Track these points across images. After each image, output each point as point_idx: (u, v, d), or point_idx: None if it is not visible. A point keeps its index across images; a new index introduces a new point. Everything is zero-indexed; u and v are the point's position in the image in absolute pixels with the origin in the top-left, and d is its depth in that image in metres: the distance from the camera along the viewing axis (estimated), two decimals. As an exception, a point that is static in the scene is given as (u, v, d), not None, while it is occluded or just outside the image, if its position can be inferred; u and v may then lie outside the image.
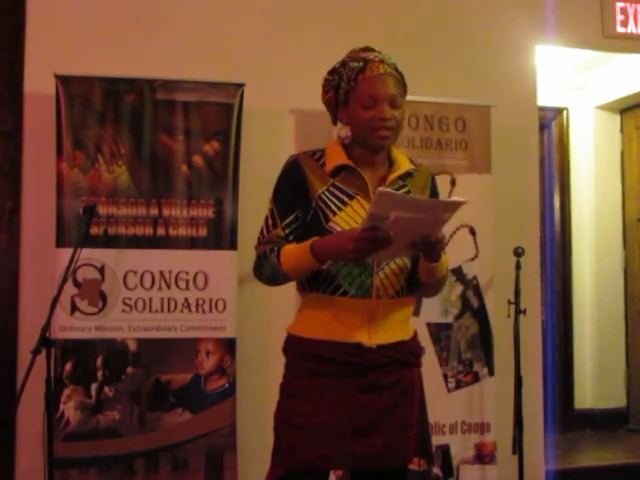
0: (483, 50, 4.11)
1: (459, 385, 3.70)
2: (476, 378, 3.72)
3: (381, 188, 1.79)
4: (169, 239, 3.43)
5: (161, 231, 3.42)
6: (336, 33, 3.80)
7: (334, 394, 2.01)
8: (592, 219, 5.49)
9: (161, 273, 3.41)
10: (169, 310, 3.41)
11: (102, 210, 3.36)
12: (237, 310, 3.47)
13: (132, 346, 3.37)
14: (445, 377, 3.68)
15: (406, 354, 2.08)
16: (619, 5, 4.38)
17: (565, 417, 5.36)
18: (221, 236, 3.47)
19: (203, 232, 3.45)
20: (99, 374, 3.33)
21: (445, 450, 3.65)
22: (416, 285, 2.12)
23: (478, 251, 3.75)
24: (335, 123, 2.16)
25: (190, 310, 3.42)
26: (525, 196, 4.15)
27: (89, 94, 3.40)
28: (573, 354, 5.47)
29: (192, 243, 3.44)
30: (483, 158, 3.82)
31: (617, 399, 5.43)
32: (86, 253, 3.15)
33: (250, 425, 3.50)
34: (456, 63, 4.04)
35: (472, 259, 3.75)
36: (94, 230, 3.33)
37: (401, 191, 2.06)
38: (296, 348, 2.09)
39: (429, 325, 3.66)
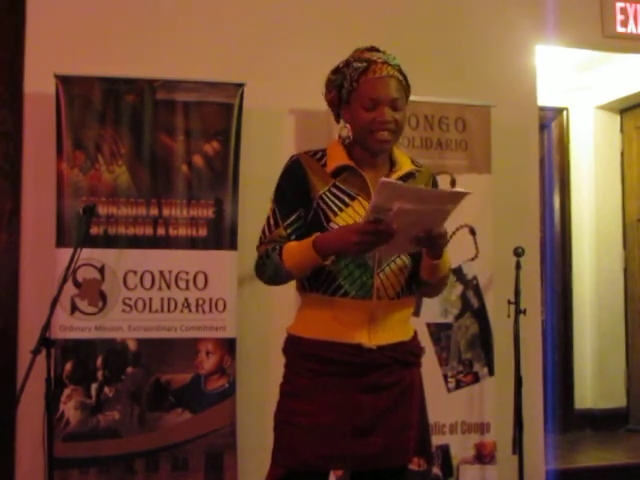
0: (483, 50, 4.11)
1: (459, 385, 3.70)
2: (476, 378, 3.72)
3: (384, 178, 1.78)
4: (169, 239, 3.43)
5: (161, 231, 3.42)
6: (336, 33, 3.80)
7: (334, 394, 2.01)
8: (592, 219, 5.49)
9: (161, 273, 3.41)
10: (169, 310, 3.41)
11: (102, 210, 3.36)
12: (237, 310, 3.47)
13: (132, 346, 3.37)
14: (445, 377, 3.68)
15: (406, 354, 2.08)
16: (619, 5, 4.38)
17: (565, 417, 5.36)
18: (221, 236, 3.47)
19: (203, 232, 3.45)
20: (99, 374, 3.33)
21: (445, 450, 3.65)
22: (418, 285, 2.12)
23: (478, 251, 3.75)
24: (338, 121, 2.16)
25: (190, 310, 3.42)
26: (525, 196, 4.15)
27: (89, 94, 3.40)
28: (573, 354, 5.47)
29: (192, 243, 3.44)
30: (483, 158, 3.82)
31: (617, 399, 5.43)
32: (86, 253, 3.15)
33: (250, 425, 3.50)
34: (456, 63, 4.04)
35: (472, 259, 3.75)
36: (94, 230, 3.34)
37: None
38: (296, 348, 2.09)
39: (429, 325, 3.66)
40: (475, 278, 3.76)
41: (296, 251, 1.98)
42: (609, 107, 5.52)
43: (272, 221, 2.08)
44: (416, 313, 2.52)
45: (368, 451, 2.00)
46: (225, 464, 3.39)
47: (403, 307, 2.08)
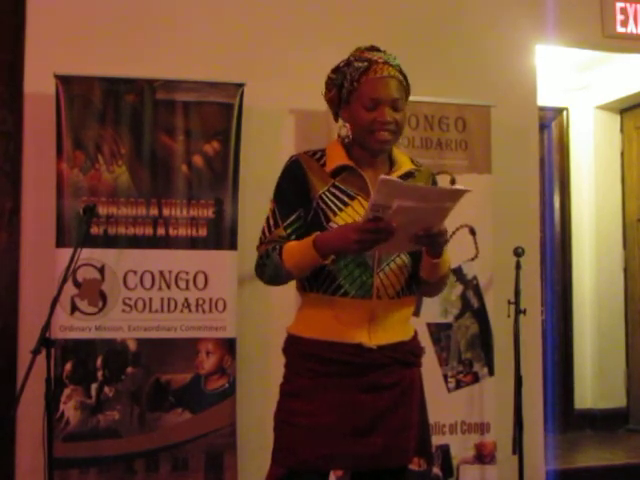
0: (483, 50, 4.11)
1: (459, 385, 3.70)
2: (476, 378, 3.72)
3: (383, 176, 1.78)
4: (169, 239, 3.43)
5: (161, 231, 3.42)
6: (336, 33, 3.80)
7: (334, 394, 2.01)
8: (592, 219, 5.49)
9: (161, 273, 3.41)
10: (169, 310, 3.41)
11: (102, 210, 3.36)
12: (237, 310, 3.47)
13: (132, 346, 3.37)
14: (445, 377, 3.68)
15: (406, 354, 2.08)
16: (619, 5, 4.38)
17: (565, 417, 5.36)
18: (221, 236, 3.47)
19: (203, 232, 3.45)
20: (99, 374, 3.33)
21: (445, 450, 3.65)
22: (418, 284, 2.11)
23: (478, 251, 3.75)
24: (337, 120, 2.16)
25: (190, 310, 3.42)
26: (525, 196, 4.15)
27: (89, 94, 3.40)
28: (573, 354, 5.47)
29: (192, 243, 3.44)
30: (483, 158, 3.82)
31: (617, 399, 5.43)
32: (86, 253, 3.15)
33: (250, 425, 3.50)
34: (456, 63, 4.04)
35: (472, 259, 3.75)
36: (94, 230, 3.34)
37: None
38: (296, 348, 2.09)
39: (429, 325, 3.66)
40: (475, 278, 3.76)
41: (296, 251, 1.98)
42: (609, 107, 5.52)
43: (272, 221, 2.08)
44: (416, 313, 2.51)
45: (368, 451, 2.01)
46: (225, 464, 3.39)
47: (403, 306, 2.08)
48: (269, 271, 2.03)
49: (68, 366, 3.30)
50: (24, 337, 3.42)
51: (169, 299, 3.41)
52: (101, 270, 3.36)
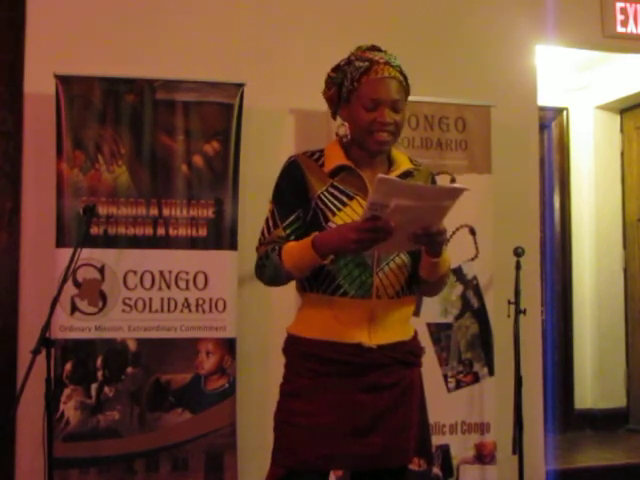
0: (483, 50, 4.11)
1: (459, 385, 3.70)
2: (476, 378, 3.72)
3: (381, 174, 1.78)
4: (169, 239, 3.43)
5: (161, 231, 3.42)
6: (336, 33, 3.80)
7: (334, 394, 2.01)
8: (592, 219, 5.49)
9: (161, 273, 3.41)
10: (169, 310, 3.41)
11: (102, 210, 3.36)
12: (237, 310, 3.47)
13: (132, 346, 3.37)
14: (445, 377, 3.68)
15: (406, 354, 2.08)
16: (619, 5, 4.38)
17: (565, 417, 5.36)
18: (221, 236, 3.47)
19: (203, 232, 3.45)
20: (99, 374, 3.33)
21: (445, 450, 3.65)
22: (417, 284, 2.11)
23: (478, 251, 3.76)
24: (335, 118, 2.16)
25: (190, 310, 3.42)
26: (525, 196, 4.15)
27: (89, 94, 3.40)
28: (573, 354, 5.47)
29: (192, 243, 3.44)
30: (483, 158, 3.82)
31: (617, 399, 5.43)
32: (86, 253, 3.15)
33: (250, 425, 3.50)
34: (456, 63, 4.04)
35: (472, 259, 3.75)
36: (94, 230, 3.34)
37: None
38: (296, 348, 2.09)
39: (429, 325, 3.66)
40: (475, 278, 3.76)
41: (295, 251, 1.98)
42: (609, 107, 5.52)
43: (271, 222, 2.08)
44: (416, 313, 2.51)
45: (368, 451, 2.00)
46: (225, 464, 3.39)
47: (403, 306, 2.08)
48: (269, 272, 2.03)
49: (68, 366, 3.30)
50: (24, 337, 3.42)
51: (169, 299, 3.41)
52: (101, 270, 3.36)
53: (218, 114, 3.50)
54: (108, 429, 3.31)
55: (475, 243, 3.75)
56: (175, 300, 3.41)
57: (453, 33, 4.08)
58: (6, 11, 3.61)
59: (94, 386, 3.32)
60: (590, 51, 4.62)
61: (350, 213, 2.01)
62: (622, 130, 5.56)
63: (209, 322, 3.43)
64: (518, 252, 3.62)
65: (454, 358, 3.71)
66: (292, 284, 2.12)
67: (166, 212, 3.43)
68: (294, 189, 2.06)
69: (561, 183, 5.54)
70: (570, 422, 5.37)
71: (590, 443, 5.17)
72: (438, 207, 1.84)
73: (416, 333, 2.16)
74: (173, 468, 3.34)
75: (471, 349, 3.73)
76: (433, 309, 3.63)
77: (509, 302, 3.55)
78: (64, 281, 2.81)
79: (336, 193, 2.05)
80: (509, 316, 3.55)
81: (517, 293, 3.56)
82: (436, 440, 3.41)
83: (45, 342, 2.64)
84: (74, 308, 3.32)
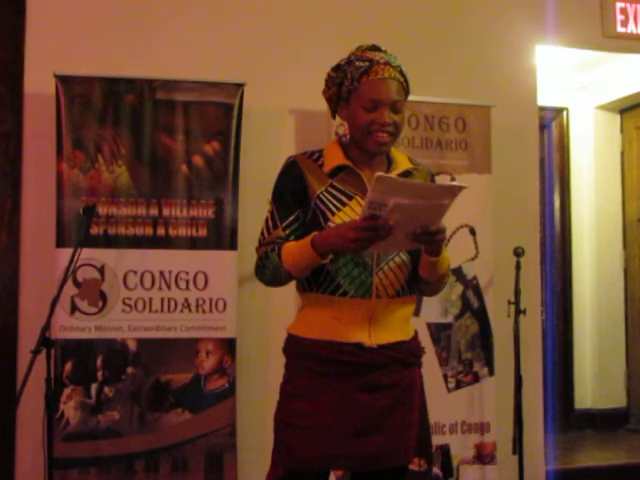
0: (483, 50, 4.11)
1: (459, 385, 3.70)
2: (476, 378, 3.72)
3: (379, 173, 1.78)
4: (169, 239, 3.43)
5: (161, 231, 3.42)
6: (336, 33, 3.80)
7: (334, 394, 2.01)
8: (592, 219, 5.49)
9: (161, 273, 3.41)
10: (169, 310, 3.41)
11: (102, 210, 3.36)
12: (237, 310, 3.47)
13: (132, 346, 3.37)
14: (445, 377, 3.68)
15: (406, 354, 2.08)
16: (619, 5, 4.38)
17: (565, 417, 5.36)
18: (221, 236, 3.47)
19: (203, 232, 3.45)
20: (99, 374, 3.33)
21: (445, 450, 3.64)
22: (417, 283, 2.11)
23: (478, 251, 3.75)
24: (334, 117, 2.16)
25: (190, 310, 3.42)
26: (525, 196, 4.15)
27: (89, 94, 3.40)
28: (573, 354, 5.47)
29: (192, 243, 3.44)
30: (483, 158, 3.82)
31: (617, 399, 5.43)
32: (86, 253, 3.15)
33: (250, 425, 3.50)
34: (456, 63, 4.04)
35: (472, 259, 3.75)
36: (94, 230, 3.34)
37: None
38: (296, 348, 2.09)
39: (429, 325, 3.66)
40: (475, 278, 3.76)
41: (295, 251, 1.98)
42: (609, 107, 5.52)
43: (270, 222, 2.08)
44: (416, 313, 2.51)
45: (368, 451, 2.01)
46: (225, 464, 3.39)
47: (403, 306, 2.08)
48: (269, 272, 2.03)
49: (68, 366, 3.30)
50: (24, 337, 3.42)
51: (169, 299, 3.41)
52: (101, 270, 3.36)
53: (218, 114, 3.50)
54: (108, 429, 3.31)
55: (475, 243, 3.75)
56: (175, 300, 3.41)
57: (453, 33, 4.08)
58: (6, 11, 3.61)
59: (94, 386, 3.32)
60: (590, 51, 4.62)
61: (349, 213, 2.01)
62: (622, 130, 5.56)
63: (209, 322, 3.43)
64: (518, 252, 3.62)
65: (454, 358, 3.71)
66: (292, 284, 2.12)
67: (166, 212, 3.43)
68: (293, 189, 2.06)
69: (561, 183, 5.54)
70: (570, 422, 5.37)
71: (590, 443, 5.17)
72: (437, 205, 1.83)
73: (416, 333, 2.16)
74: (173, 468, 3.34)
75: (471, 349, 3.73)
76: (433, 309, 3.63)
77: (509, 302, 3.55)
78: (64, 281, 2.81)
79: (335, 193, 2.05)
80: (509, 316, 3.55)
81: (517, 293, 3.56)
82: (436, 440, 3.41)
83: (45, 342, 2.64)
84: (74, 308, 3.32)
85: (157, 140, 3.45)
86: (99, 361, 3.33)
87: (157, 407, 3.35)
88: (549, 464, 4.22)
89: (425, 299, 3.45)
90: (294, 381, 2.07)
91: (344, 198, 2.04)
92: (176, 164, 3.45)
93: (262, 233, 2.09)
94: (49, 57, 3.51)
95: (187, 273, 3.42)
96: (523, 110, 4.18)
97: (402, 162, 2.13)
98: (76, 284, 3.32)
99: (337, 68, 2.09)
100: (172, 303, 3.41)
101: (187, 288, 3.42)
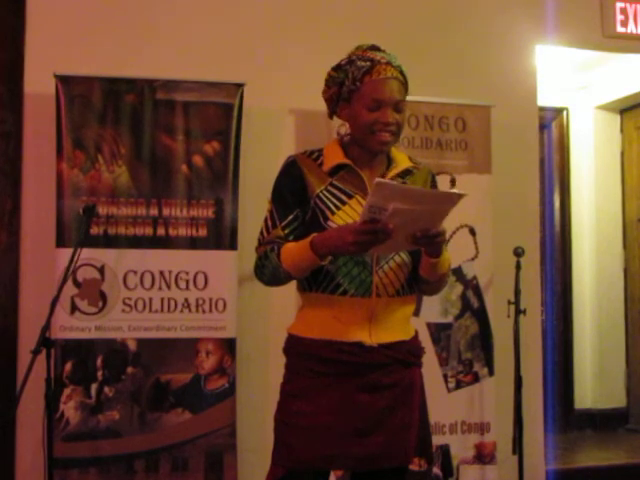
0: (483, 50, 4.11)
1: (459, 385, 3.70)
2: (476, 378, 3.72)
3: (379, 179, 1.78)
4: (169, 239, 3.43)
5: (161, 231, 3.42)
6: (336, 33, 3.79)
7: (334, 394, 2.01)
8: (592, 219, 5.49)
9: (161, 273, 3.41)
10: (169, 310, 3.41)
11: (102, 210, 3.36)
12: (237, 310, 3.47)
13: (132, 346, 3.37)
14: (445, 377, 3.68)
15: (406, 354, 2.08)
16: (619, 5, 4.38)
17: (565, 417, 5.36)
18: (221, 236, 3.47)
19: (203, 232, 3.45)
20: (99, 374, 3.33)
21: (445, 450, 3.64)
22: (417, 283, 2.11)
23: (478, 251, 3.75)
24: (332, 117, 2.16)
25: (190, 310, 3.42)
26: (525, 196, 4.15)
27: (89, 94, 3.40)
28: (573, 354, 5.47)
29: (192, 243, 3.44)
30: (483, 158, 3.82)
31: (617, 399, 5.43)
32: (86, 253, 3.15)
33: (250, 425, 3.50)
34: (456, 63, 4.04)
35: (472, 259, 3.75)
36: (94, 230, 3.34)
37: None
38: (296, 348, 2.09)
39: (429, 325, 3.66)
40: (475, 278, 3.76)
41: (294, 252, 1.98)
42: (609, 107, 5.52)
43: (270, 222, 2.08)
44: (416, 313, 2.51)
45: (368, 451, 2.00)
46: (225, 464, 3.39)
47: (403, 305, 2.08)
48: (268, 272, 2.03)
49: (68, 366, 3.30)
50: (24, 337, 3.42)
51: (169, 299, 3.41)
52: (101, 270, 3.36)
53: (218, 114, 3.50)
54: (108, 429, 3.31)
55: (475, 243, 3.75)
56: (175, 300, 3.41)
57: (453, 33, 4.08)
58: (6, 11, 3.61)
59: (94, 386, 3.32)
60: (590, 51, 4.62)
61: (349, 212, 2.01)
62: (622, 130, 5.56)
63: (209, 322, 3.43)
64: (518, 252, 3.62)
65: (454, 358, 3.71)
66: (292, 284, 2.12)
67: (166, 212, 3.43)
68: (293, 189, 2.06)
69: (561, 183, 5.54)
70: (570, 422, 5.37)
71: (590, 443, 5.17)
72: (437, 211, 1.84)
73: (417, 333, 2.16)
74: (173, 468, 3.34)
75: (471, 349, 3.73)
76: (433, 309, 3.63)
77: (509, 302, 3.55)
78: (64, 281, 2.81)
79: (335, 192, 2.05)
80: (509, 316, 3.55)
81: (517, 293, 3.56)
82: (436, 440, 3.40)
83: (45, 342, 2.64)
84: (74, 308, 3.32)
85: (157, 140, 3.45)
86: (99, 361, 3.33)
87: (157, 407, 3.35)
88: (549, 464, 4.22)
89: (425, 299, 3.46)
90: (294, 381, 2.07)
91: (344, 197, 2.04)
92: (176, 164, 3.45)
93: (261, 232, 2.09)
94: (49, 57, 3.51)
95: (187, 273, 3.42)
96: (523, 110, 4.18)
97: (402, 161, 2.13)
98: (76, 284, 3.32)
99: (338, 68, 2.09)
100: (172, 303, 3.41)
101: (187, 288, 3.42)
